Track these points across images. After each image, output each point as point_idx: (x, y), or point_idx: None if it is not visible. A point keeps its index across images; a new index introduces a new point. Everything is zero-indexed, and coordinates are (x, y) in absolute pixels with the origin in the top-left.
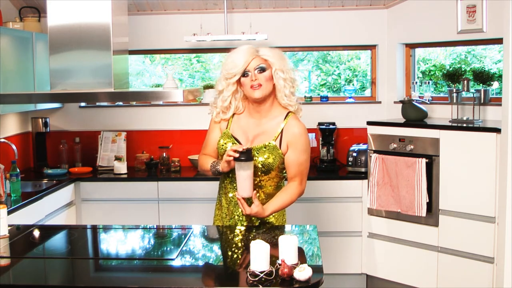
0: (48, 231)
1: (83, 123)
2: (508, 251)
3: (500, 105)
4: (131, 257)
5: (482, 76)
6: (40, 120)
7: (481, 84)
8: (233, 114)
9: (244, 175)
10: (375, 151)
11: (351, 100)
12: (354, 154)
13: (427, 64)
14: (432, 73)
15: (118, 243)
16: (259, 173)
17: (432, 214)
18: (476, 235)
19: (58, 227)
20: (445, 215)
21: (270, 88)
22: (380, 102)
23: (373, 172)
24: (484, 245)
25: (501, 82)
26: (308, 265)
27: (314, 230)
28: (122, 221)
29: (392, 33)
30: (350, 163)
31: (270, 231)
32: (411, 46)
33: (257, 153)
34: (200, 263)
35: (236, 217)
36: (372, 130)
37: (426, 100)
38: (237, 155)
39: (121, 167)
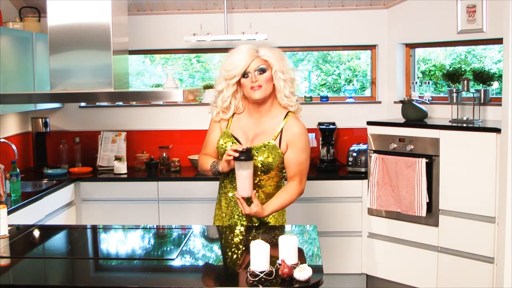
0: (48, 231)
1: (83, 123)
2: (508, 251)
3: (500, 105)
4: (131, 257)
5: (482, 76)
6: (40, 120)
7: (481, 84)
8: (233, 114)
9: (244, 175)
10: (375, 151)
11: (351, 100)
12: (354, 154)
13: (427, 64)
14: (432, 73)
15: (118, 243)
16: (259, 173)
17: (432, 214)
18: (476, 235)
19: (58, 227)
20: (445, 215)
21: (270, 89)
22: (380, 102)
23: (373, 172)
24: (484, 245)
25: (501, 82)
26: (308, 265)
27: (314, 230)
28: (122, 221)
29: (392, 33)
30: (350, 163)
31: (270, 231)
32: (411, 46)
33: (257, 153)
34: (200, 263)
35: (236, 216)
36: (372, 130)
37: (426, 100)
38: (237, 154)
39: (121, 167)
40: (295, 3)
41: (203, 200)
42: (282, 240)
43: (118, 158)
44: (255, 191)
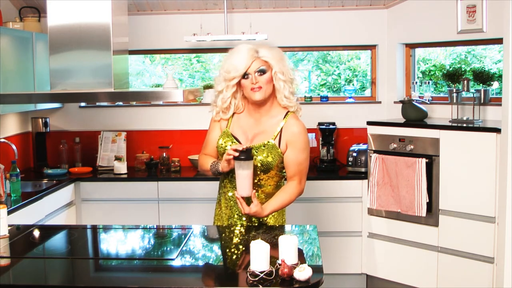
0: (48, 231)
1: (83, 123)
2: (508, 251)
3: (500, 105)
4: (131, 257)
5: (482, 76)
6: (40, 120)
7: (481, 84)
8: (233, 114)
9: (243, 174)
10: (375, 151)
11: (351, 100)
12: (354, 154)
13: (427, 64)
14: (432, 73)
15: (118, 243)
16: (259, 172)
17: (432, 214)
18: (476, 235)
19: (58, 227)
20: (445, 215)
21: (270, 90)
22: (380, 102)
23: (373, 172)
24: (484, 245)
25: (501, 82)
26: (308, 265)
27: (314, 230)
28: (122, 221)
29: (392, 33)
30: (350, 163)
31: (270, 231)
32: (411, 46)
33: (256, 152)
34: (200, 263)
35: (236, 216)
36: (372, 130)
37: (426, 100)
38: (237, 154)
39: (121, 167)
40: (295, 3)
41: (203, 200)
42: (282, 240)
43: (118, 158)
44: (254, 190)
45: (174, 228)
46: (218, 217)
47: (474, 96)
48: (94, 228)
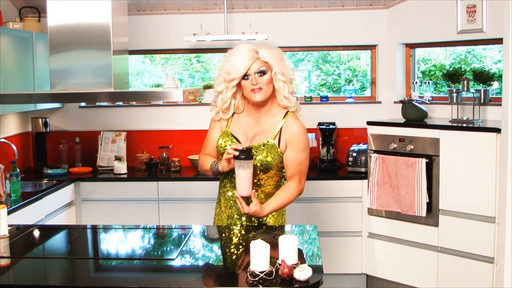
0: (48, 231)
1: (83, 123)
2: (508, 251)
3: (500, 105)
4: (131, 257)
5: (482, 76)
6: (40, 120)
7: (481, 84)
8: (233, 114)
9: (243, 174)
10: (375, 151)
11: (351, 100)
12: (354, 154)
13: (427, 64)
14: (432, 73)
15: (118, 243)
16: (258, 172)
17: (432, 214)
18: (476, 235)
19: (58, 227)
20: (445, 215)
21: (270, 91)
22: (380, 102)
23: (373, 172)
24: (484, 245)
25: (501, 82)
26: (308, 265)
27: (314, 230)
28: (122, 221)
29: (392, 33)
30: (350, 163)
31: (270, 231)
32: (411, 46)
33: (256, 152)
34: (200, 263)
35: (236, 216)
36: (372, 130)
37: (426, 100)
38: (237, 153)
39: (121, 167)
40: (295, 3)
41: (203, 200)
42: (282, 240)
43: (118, 158)
44: (254, 190)
45: (174, 228)
46: (218, 217)
47: (474, 96)
48: (94, 228)
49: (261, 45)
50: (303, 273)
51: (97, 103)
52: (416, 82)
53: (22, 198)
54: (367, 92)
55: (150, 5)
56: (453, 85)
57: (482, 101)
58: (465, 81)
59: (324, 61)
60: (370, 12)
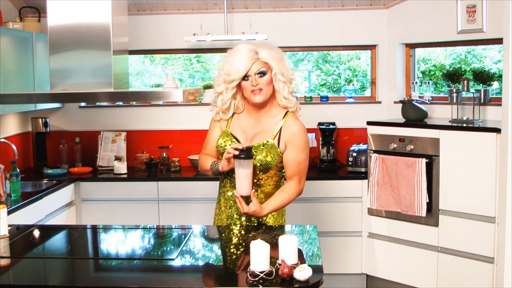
0: (48, 231)
1: (83, 123)
2: (508, 251)
3: (500, 105)
4: (131, 257)
5: (482, 76)
6: (40, 120)
7: (481, 84)
8: (233, 114)
9: (243, 173)
10: (375, 151)
11: (351, 100)
12: (354, 154)
13: (427, 64)
14: (432, 73)
15: (118, 243)
16: (258, 172)
17: (432, 214)
18: (476, 235)
19: (58, 227)
20: (445, 215)
21: (270, 91)
22: (380, 102)
23: (373, 172)
24: (484, 245)
25: (501, 82)
26: (308, 265)
27: (314, 230)
28: (122, 221)
29: (392, 33)
30: (350, 163)
31: (270, 231)
32: (411, 46)
33: (255, 152)
34: (200, 263)
35: (235, 216)
36: (372, 130)
37: (426, 100)
38: (237, 152)
39: (121, 167)
40: (295, 3)
41: (203, 200)
42: (282, 240)
43: (118, 158)
44: (254, 190)
45: (174, 228)
46: (218, 217)
47: (474, 96)
48: (94, 228)
49: (261, 45)
50: (303, 273)
51: (97, 103)
52: (416, 82)
53: (22, 198)
54: (367, 92)
55: (150, 5)
56: (453, 85)
57: (482, 101)
58: (465, 81)
59: (324, 61)
60: (370, 12)
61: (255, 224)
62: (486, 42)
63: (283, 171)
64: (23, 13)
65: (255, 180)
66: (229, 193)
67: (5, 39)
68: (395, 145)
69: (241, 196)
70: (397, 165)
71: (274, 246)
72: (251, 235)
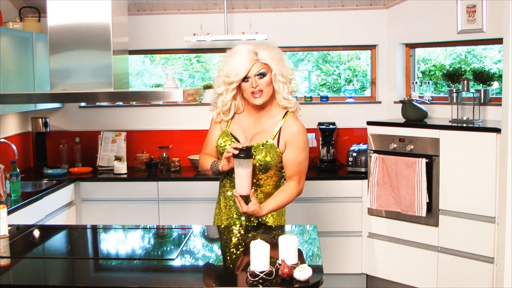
0: (48, 231)
1: (83, 123)
2: (508, 251)
3: (500, 105)
4: (131, 257)
5: (482, 76)
6: (40, 120)
7: (481, 84)
8: (233, 114)
9: (243, 173)
10: (375, 151)
11: (351, 100)
12: (354, 154)
13: (427, 64)
14: (432, 73)
15: (118, 243)
16: (257, 172)
17: (432, 214)
18: (476, 235)
19: (58, 227)
20: (445, 215)
21: (270, 92)
22: (380, 102)
23: (373, 172)
24: (484, 245)
25: (501, 82)
26: (308, 265)
27: (314, 230)
28: (122, 221)
29: (392, 33)
30: (350, 163)
31: (270, 231)
32: (411, 46)
33: (255, 152)
34: (200, 263)
35: (235, 216)
36: (372, 130)
37: (426, 100)
38: (236, 152)
39: (121, 167)
40: (295, 3)
41: (203, 200)
42: (282, 240)
43: (118, 158)
44: (253, 190)
45: (174, 228)
46: (218, 216)
47: (474, 96)
48: (94, 228)
49: (261, 45)
50: (303, 273)
51: (97, 103)
52: (416, 82)
53: (22, 198)
54: (367, 92)
55: (150, 5)
56: (453, 85)
57: (482, 101)
58: (465, 81)
59: (324, 61)
60: (370, 12)
61: (255, 224)
62: (486, 42)
63: (283, 171)
64: (23, 13)
65: (255, 180)
66: (229, 193)
67: (5, 39)
68: (395, 145)
69: (241, 196)
70: (397, 165)
71: (274, 246)
72: (250, 235)
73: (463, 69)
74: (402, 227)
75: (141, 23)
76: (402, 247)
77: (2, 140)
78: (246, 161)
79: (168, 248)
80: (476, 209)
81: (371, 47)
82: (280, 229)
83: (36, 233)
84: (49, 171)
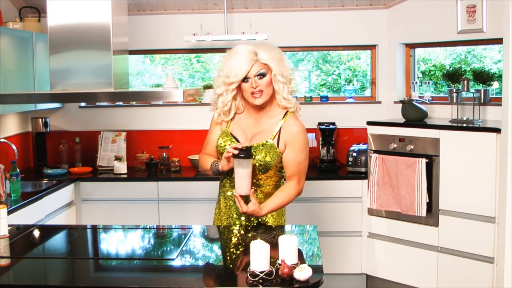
0: (48, 231)
1: (83, 123)
2: (508, 251)
3: (500, 105)
4: (131, 257)
5: (482, 76)
6: (40, 120)
7: (481, 84)
8: (234, 114)
9: (242, 173)
10: (375, 151)
11: (351, 100)
12: (354, 154)
13: (427, 64)
14: (432, 73)
15: (118, 243)
16: (257, 172)
17: (432, 214)
18: (476, 235)
19: (58, 227)
20: (445, 215)
21: (270, 93)
22: (380, 102)
23: (373, 172)
24: (484, 245)
25: (501, 82)
26: (308, 265)
27: (314, 230)
28: (122, 221)
29: (392, 33)
30: (350, 163)
31: (270, 231)
32: (411, 46)
33: (255, 152)
34: (200, 263)
35: (235, 216)
36: (372, 130)
37: (426, 100)
38: (236, 151)
39: (121, 167)
40: (295, 3)
41: (203, 200)
42: (282, 240)
43: (118, 158)
44: (253, 190)
45: (174, 228)
46: (218, 216)
47: (474, 96)
48: (94, 228)
49: (260, 45)
50: (303, 273)
51: (97, 103)
52: (416, 82)
53: (22, 198)
54: (367, 92)
55: (150, 5)
56: (453, 85)
57: (482, 101)
58: (465, 81)
59: (324, 61)
60: (370, 12)
61: (255, 224)
62: (486, 42)
63: (283, 171)
64: (23, 13)
65: (255, 180)
66: (229, 193)
67: (5, 39)
68: (395, 145)
69: (240, 196)
70: (397, 165)
71: (274, 246)
72: (250, 235)
73: (463, 69)
74: (402, 227)
75: (141, 23)
76: (402, 247)
77: (2, 140)
78: (246, 161)
79: (168, 248)
80: (476, 209)
81: (371, 47)
82: (280, 229)
83: (36, 233)
84: (49, 171)
